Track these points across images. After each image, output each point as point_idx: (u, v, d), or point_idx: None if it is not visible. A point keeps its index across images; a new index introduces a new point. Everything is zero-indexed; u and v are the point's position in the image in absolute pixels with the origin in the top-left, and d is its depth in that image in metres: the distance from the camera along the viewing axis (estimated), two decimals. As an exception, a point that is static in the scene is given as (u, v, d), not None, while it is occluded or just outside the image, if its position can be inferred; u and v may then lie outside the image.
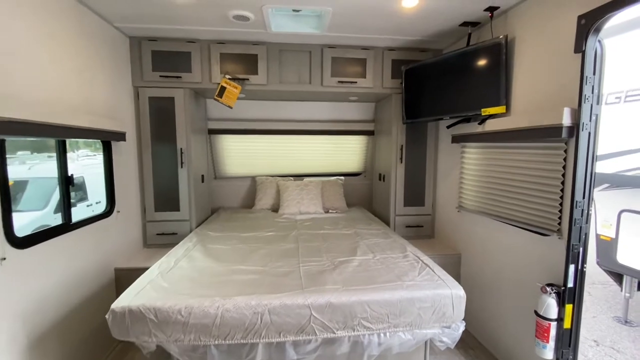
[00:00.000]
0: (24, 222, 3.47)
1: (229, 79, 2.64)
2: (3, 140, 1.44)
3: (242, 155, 3.57)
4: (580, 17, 1.52)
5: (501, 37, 1.99)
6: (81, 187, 4.21)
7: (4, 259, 1.42)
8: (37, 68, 1.62)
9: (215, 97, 2.67)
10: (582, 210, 1.59)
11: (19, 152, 4.23)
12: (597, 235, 3.14)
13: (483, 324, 2.34)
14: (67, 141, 1.92)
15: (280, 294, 1.50)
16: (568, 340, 1.66)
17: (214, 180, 3.58)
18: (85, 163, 4.41)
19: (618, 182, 3.39)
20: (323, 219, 3.04)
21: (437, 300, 1.55)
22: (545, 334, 1.66)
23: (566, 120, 1.56)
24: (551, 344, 1.65)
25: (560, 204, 1.67)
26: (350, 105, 3.56)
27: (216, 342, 1.41)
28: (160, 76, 2.60)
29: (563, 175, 1.66)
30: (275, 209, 3.36)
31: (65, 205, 1.88)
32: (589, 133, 1.55)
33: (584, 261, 1.62)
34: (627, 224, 2.99)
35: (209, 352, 1.44)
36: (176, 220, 2.74)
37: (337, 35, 2.55)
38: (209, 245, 2.23)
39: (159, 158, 2.69)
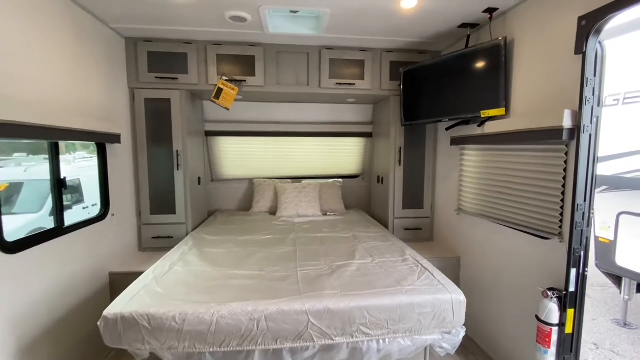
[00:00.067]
0: (19, 224, 3.44)
1: (226, 80, 2.62)
2: None
3: (239, 157, 3.54)
4: (580, 19, 1.50)
5: (500, 38, 1.98)
6: (77, 190, 4.19)
7: None
8: (28, 68, 1.59)
9: (212, 99, 2.64)
10: (584, 213, 1.57)
11: (15, 154, 4.19)
12: (596, 238, 3.12)
13: (483, 328, 2.31)
14: (64, 143, 1.89)
15: (277, 299, 1.47)
16: (570, 346, 1.63)
17: (211, 183, 3.54)
18: (82, 165, 4.38)
19: (616, 184, 3.38)
20: (321, 221, 3.01)
21: (437, 306, 1.52)
22: (547, 339, 1.64)
23: (567, 123, 1.54)
24: (552, 349, 1.63)
25: (561, 207, 1.65)
26: (349, 107, 3.54)
27: (211, 349, 1.38)
28: (156, 77, 2.57)
29: (564, 178, 1.64)
30: (273, 211, 3.33)
31: (58, 209, 1.84)
32: (590, 135, 1.53)
33: (585, 265, 1.60)
34: (626, 226, 2.98)
35: (203, 360, 1.40)
36: (172, 224, 2.71)
37: (335, 36, 2.53)
38: (205, 249, 2.20)
39: (154, 160, 2.66)
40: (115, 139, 2.28)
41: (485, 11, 2.04)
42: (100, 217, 2.23)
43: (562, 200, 1.65)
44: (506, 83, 2.01)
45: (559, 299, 1.62)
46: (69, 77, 1.89)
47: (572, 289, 1.60)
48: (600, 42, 1.50)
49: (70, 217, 1.94)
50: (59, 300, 1.80)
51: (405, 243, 2.34)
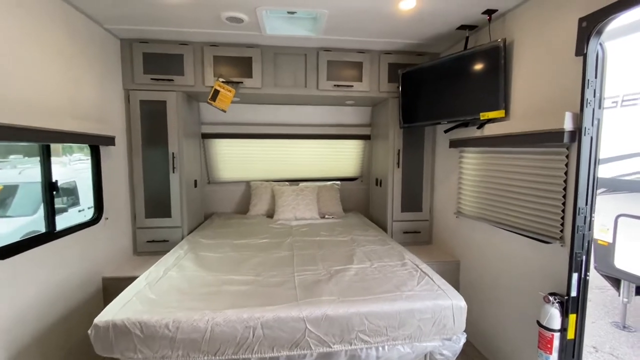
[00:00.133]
0: (13, 227, 3.39)
1: (223, 82, 2.58)
2: None
3: (236, 159, 3.50)
4: (581, 20, 1.49)
5: (499, 40, 1.96)
6: (73, 192, 4.16)
7: None
8: (16, 68, 1.55)
9: (209, 101, 2.61)
10: (585, 217, 1.54)
11: (11, 156, 4.15)
12: (595, 240, 3.11)
13: (483, 333, 2.28)
14: (60, 145, 1.85)
15: (274, 306, 1.43)
16: (572, 352, 1.61)
17: (207, 185, 3.50)
18: (78, 167, 4.33)
19: (614, 186, 3.38)
20: (319, 224, 2.97)
21: (437, 312, 1.49)
22: (549, 345, 1.61)
23: (568, 125, 1.52)
24: (554, 355, 1.60)
25: (562, 211, 1.63)
26: (347, 109, 3.52)
27: (205, 358, 1.34)
28: (152, 79, 2.53)
29: (565, 181, 1.61)
30: (270, 214, 3.29)
31: (49, 213, 1.80)
32: (591, 138, 1.51)
33: (587, 269, 1.58)
34: (625, 228, 2.97)
35: (197, 369, 1.36)
36: (167, 227, 2.66)
37: (333, 38, 2.50)
38: (201, 253, 2.16)
39: (150, 163, 2.62)
40: (109, 141, 2.24)
41: (484, 13, 2.03)
42: (94, 220, 2.18)
43: (564, 204, 1.62)
44: (505, 85, 1.99)
45: (561, 304, 1.60)
46: (61, 78, 1.85)
47: (573, 293, 1.57)
48: (601, 44, 1.48)
49: (66, 220, 1.90)
50: (50, 306, 1.75)
51: (404, 247, 2.31)
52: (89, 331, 1.32)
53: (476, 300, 2.31)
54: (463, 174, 2.47)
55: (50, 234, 1.80)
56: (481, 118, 2.10)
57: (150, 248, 2.64)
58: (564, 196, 1.62)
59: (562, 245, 1.63)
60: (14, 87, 1.52)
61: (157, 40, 2.52)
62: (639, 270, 2.81)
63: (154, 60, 2.53)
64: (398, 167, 2.91)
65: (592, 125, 1.51)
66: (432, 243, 3.01)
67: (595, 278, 3.32)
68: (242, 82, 2.63)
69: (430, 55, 2.82)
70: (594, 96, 1.49)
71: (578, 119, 1.52)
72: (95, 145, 2.17)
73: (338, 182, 3.63)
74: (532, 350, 1.75)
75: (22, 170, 3.97)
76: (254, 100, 3.17)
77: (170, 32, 2.39)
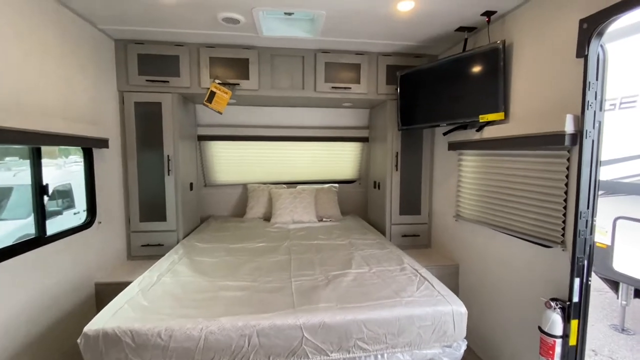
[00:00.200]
0: (6, 230, 3.33)
1: (219, 83, 2.55)
2: None
3: (233, 162, 3.47)
4: (582, 21, 1.47)
5: (499, 42, 1.94)
6: (69, 194, 4.10)
7: None
8: (6, 68, 1.50)
9: (205, 103, 2.57)
10: (587, 221, 1.52)
11: (7, 158, 4.09)
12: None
13: (483, 338, 2.25)
14: (57, 147, 1.80)
15: (270, 313, 1.39)
16: (574, 358, 1.58)
17: (203, 188, 3.46)
18: (74, 169, 4.28)
19: (612, 189, 3.38)
20: (317, 228, 2.94)
21: (437, 318, 1.46)
22: (550, 352, 1.58)
23: (569, 128, 1.50)
24: (556, 362, 1.57)
25: (564, 215, 1.60)
26: (344, 111, 3.49)
27: (199, 367, 1.29)
28: (147, 80, 2.49)
29: (566, 184, 1.59)
30: (267, 217, 3.25)
31: (39, 217, 1.75)
32: (593, 141, 1.49)
33: (589, 274, 1.55)
34: (623, 231, 2.96)
35: (191, 379, 1.32)
36: (162, 231, 2.62)
37: (331, 39, 2.48)
38: (196, 257, 2.11)
39: (144, 165, 2.57)
40: (103, 143, 2.20)
41: (483, 14, 2.01)
42: (86, 224, 2.14)
43: (565, 208, 1.60)
44: (505, 87, 1.97)
45: (563, 309, 1.57)
46: (52, 79, 1.80)
47: (575, 299, 1.55)
48: (602, 45, 1.46)
49: (60, 222, 1.85)
50: (40, 313, 1.71)
51: (402, 250, 2.28)
52: (79, 340, 1.28)
53: (476, 304, 2.28)
54: (462, 177, 2.45)
55: (40, 239, 1.75)
56: (480, 120, 2.08)
57: (145, 252, 2.59)
58: (565, 200, 1.59)
59: (563, 250, 1.61)
60: (1, 87, 1.48)
61: (152, 41, 2.48)
62: (637, 273, 2.81)
63: (149, 62, 2.49)
64: (396, 169, 2.88)
65: (594, 128, 1.48)
66: (431, 246, 2.98)
67: (593, 280, 3.29)
68: (238, 84, 2.60)
69: (429, 57, 2.80)
70: (595, 98, 1.47)
71: (579, 121, 1.50)
72: (88, 147, 2.12)
73: (336, 185, 3.59)
74: (533, 356, 1.72)
75: (17, 173, 3.92)
76: (251, 102, 3.14)
77: (166, 33, 2.35)
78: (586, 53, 1.45)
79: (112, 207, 2.42)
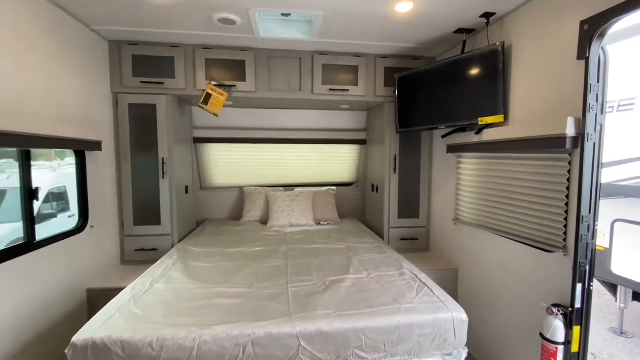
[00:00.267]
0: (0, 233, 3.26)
1: (215, 85, 2.51)
2: None
3: (229, 164, 3.42)
4: (583, 23, 1.45)
5: (498, 43, 1.92)
6: (63, 197, 4.06)
7: None
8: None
9: (200, 105, 2.53)
10: (589, 225, 1.49)
11: (2, 160, 4.03)
12: (592, 246, 3.07)
13: (482, 343, 2.21)
14: (53, 150, 1.75)
15: (266, 321, 1.35)
16: (576, 365, 1.55)
17: (199, 191, 3.41)
18: (69, 172, 4.22)
19: (610, 191, 3.37)
20: (314, 231, 2.90)
21: (437, 325, 1.42)
22: (552, 359, 1.55)
23: (570, 131, 1.47)
24: (558, 369, 1.54)
25: (565, 219, 1.58)
26: (342, 113, 3.46)
27: (192, 378, 1.25)
28: (142, 82, 2.45)
29: (567, 188, 1.56)
30: (264, 221, 3.21)
31: (28, 222, 1.70)
32: (594, 144, 1.47)
33: (591, 279, 1.52)
34: (621, 233, 2.95)
35: (184, 390, 1.27)
36: (157, 235, 2.56)
37: (328, 41, 2.45)
38: (191, 263, 2.07)
39: (139, 168, 2.52)
40: (96, 146, 2.15)
41: (482, 16, 1.99)
42: (78, 229, 2.09)
43: (566, 212, 1.57)
44: (504, 89, 1.95)
45: (564, 315, 1.54)
46: (43, 80, 1.76)
47: (578, 305, 1.51)
48: (603, 47, 1.44)
49: (54, 226, 1.80)
50: (29, 321, 1.65)
51: (401, 255, 2.24)
52: (67, 350, 1.23)
53: (475, 309, 2.24)
54: (461, 180, 2.42)
55: (29, 245, 1.70)
56: (479, 123, 2.05)
57: (139, 257, 2.54)
58: (567, 204, 1.57)
59: (565, 255, 1.58)
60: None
61: (147, 43, 2.44)
62: (635, 276, 2.79)
63: (143, 63, 2.45)
64: (395, 172, 2.85)
65: (595, 130, 1.46)
66: (430, 250, 2.95)
67: (592, 284, 3.30)
68: (235, 86, 2.57)
69: (427, 59, 2.78)
70: (597, 101, 1.45)
71: (580, 124, 1.47)
72: (81, 150, 2.08)
73: (334, 188, 3.56)
74: (534, 363, 1.69)
75: (11, 175, 3.86)
76: (248, 104, 3.11)
77: (161, 34, 2.31)
78: (587, 55, 1.43)
79: (105, 210, 2.37)
